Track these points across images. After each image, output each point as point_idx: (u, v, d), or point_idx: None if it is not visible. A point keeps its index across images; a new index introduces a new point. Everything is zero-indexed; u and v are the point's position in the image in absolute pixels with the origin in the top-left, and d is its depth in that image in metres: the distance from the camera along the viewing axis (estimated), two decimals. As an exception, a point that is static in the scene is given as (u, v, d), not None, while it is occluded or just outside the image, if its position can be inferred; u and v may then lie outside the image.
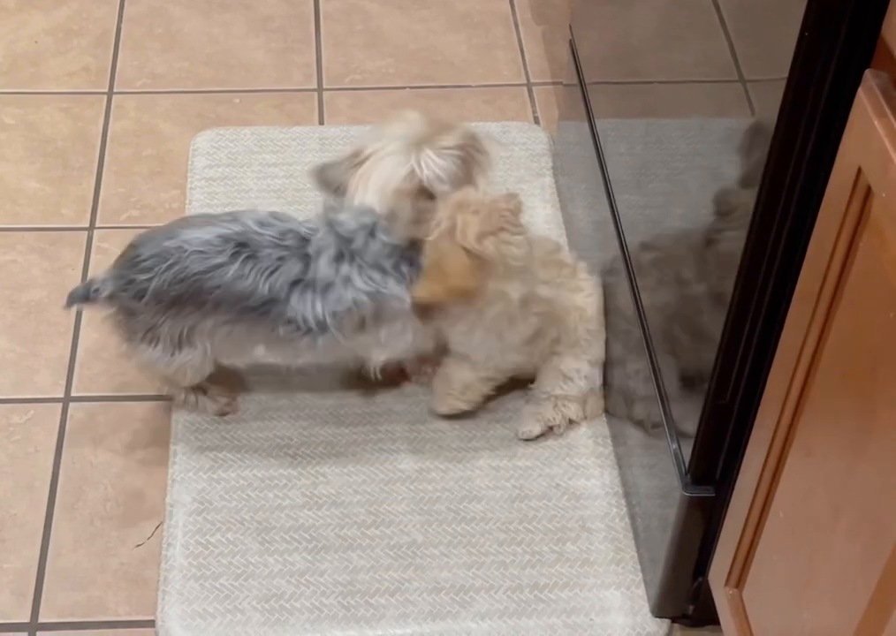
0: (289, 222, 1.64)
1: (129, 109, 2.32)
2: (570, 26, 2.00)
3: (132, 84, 2.37)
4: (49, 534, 1.68)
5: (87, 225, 2.11)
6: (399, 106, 2.31)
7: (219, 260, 1.59)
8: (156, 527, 1.69)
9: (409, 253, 1.59)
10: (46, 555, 1.66)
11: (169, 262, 1.59)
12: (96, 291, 1.65)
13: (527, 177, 2.17)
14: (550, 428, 1.77)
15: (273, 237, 1.61)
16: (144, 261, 1.61)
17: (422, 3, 2.54)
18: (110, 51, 2.43)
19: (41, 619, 1.60)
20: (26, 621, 1.60)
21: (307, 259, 1.60)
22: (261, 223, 1.62)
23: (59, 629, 1.60)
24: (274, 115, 2.31)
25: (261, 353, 1.69)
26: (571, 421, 1.78)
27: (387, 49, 2.45)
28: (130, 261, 1.64)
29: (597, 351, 1.76)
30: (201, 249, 1.60)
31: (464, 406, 1.77)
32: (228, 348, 1.68)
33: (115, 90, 2.35)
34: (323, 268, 1.60)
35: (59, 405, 1.84)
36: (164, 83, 2.37)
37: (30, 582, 1.63)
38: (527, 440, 1.77)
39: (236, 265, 1.59)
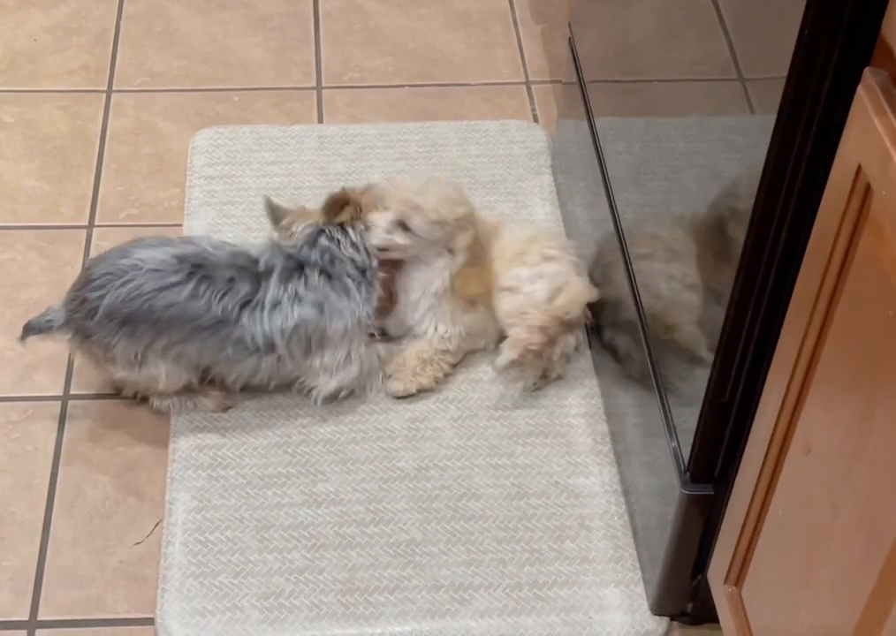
0: (240, 245, 1.72)
1: (128, 108, 2.32)
2: (569, 25, 2.00)
3: (130, 82, 2.37)
4: (49, 532, 1.69)
5: (86, 223, 2.11)
6: (398, 104, 2.32)
7: (174, 278, 1.64)
8: (155, 525, 1.69)
9: (354, 265, 1.71)
10: (45, 553, 1.66)
11: (123, 280, 1.64)
12: (49, 321, 1.69)
13: (525, 175, 2.17)
14: (528, 350, 1.75)
15: (225, 257, 1.67)
16: (96, 279, 1.66)
17: (421, 2, 2.54)
18: (109, 49, 2.43)
19: (41, 617, 1.60)
20: (25, 619, 1.60)
21: (257, 278, 1.67)
22: (215, 246, 1.69)
23: (58, 627, 1.60)
24: (273, 113, 2.31)
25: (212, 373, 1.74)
26: (552, 337, 1.77)
27: (386, 48, 2.45)
28: (83, 281, 1.68)
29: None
30: (156, 268, 1.64)
31: (425, 382, 1.80)
32: (179, 368, 1.70)
33: (114, 88, 2.35)
34: (273, 287, 1.67)
35: (58, 403, 1.84)
36: (163, 81, 2.37)
37: (29, 580, 1.63)
38: (508, 375, 1.78)
39: (191, 284, 1.64)
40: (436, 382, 1.82)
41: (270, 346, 1.67)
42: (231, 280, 1.66)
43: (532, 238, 1.85)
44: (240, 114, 2.31)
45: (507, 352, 1.75)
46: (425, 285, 1.79)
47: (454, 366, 1.84)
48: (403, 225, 1.74)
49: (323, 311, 1.68)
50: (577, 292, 1.79)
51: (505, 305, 1.79)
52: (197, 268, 1.65)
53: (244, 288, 1.66)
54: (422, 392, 1.81)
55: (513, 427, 1.78)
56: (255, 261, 1.69)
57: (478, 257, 1.79)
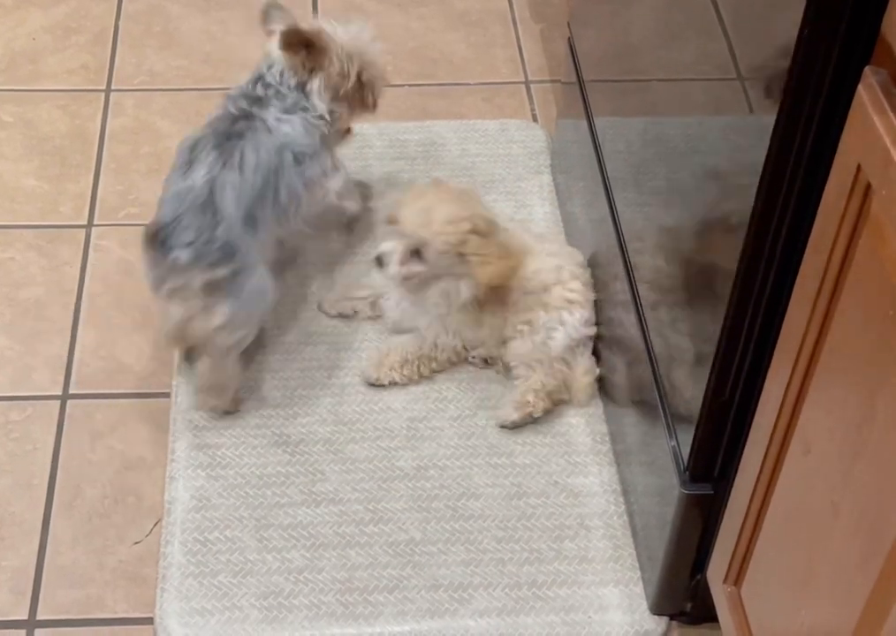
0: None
1: (127, 107, 2.32)
2: (568, 24, 2.00)
3: (130, 81, 2.37)
4: (48, 532, 1.68)
5: (86, 223, 2.10)
6: (398, 103, 2.31)
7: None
8: (155, 525, 1.69)
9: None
10: (44, 552, 1.66)
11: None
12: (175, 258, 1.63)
13: (525, 175, 2.17)
14: (531, 414, 1.76)
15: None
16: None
17: (421, 2, 2.54)
18: (109, 49, 2.43)
19: (40, 617, 1.60)
20: (24, 618, 1.60)
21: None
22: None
23: (58, 626, 1.60)
24: (272, 112, 2.30)
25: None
26: (554, 400, 1.78)
27: (386, 47, 2.41)
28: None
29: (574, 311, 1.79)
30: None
31: (397, 379, 1.81)
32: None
33: (113, 88, 2.35)
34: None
35: (57, 403, 1.84)
36: (162, 81, 2.37)
37: (28, 580, 1.63)
38: (507, 427, 1.77)
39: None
40: (409, 380, 1.82)
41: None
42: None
43: (558, 271, 1.81)
44: (240, 113, 2.30)
45: (511, 412, 1.76)
46: (444, 293, 1.78)
47: (435, 372, 1.84)
48: (417, 253, 1.73)
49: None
50: (582, 375, 1.80)
51: (518, 346, 1.78)
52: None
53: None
54: (392, 385, 1.83)
55: (512, 428, 1.78)
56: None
57: (502, 254, 1.75)
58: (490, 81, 2.37)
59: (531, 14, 2.51)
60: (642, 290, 1.56)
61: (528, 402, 1.75)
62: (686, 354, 1.40)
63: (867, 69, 0.99)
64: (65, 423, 1.81)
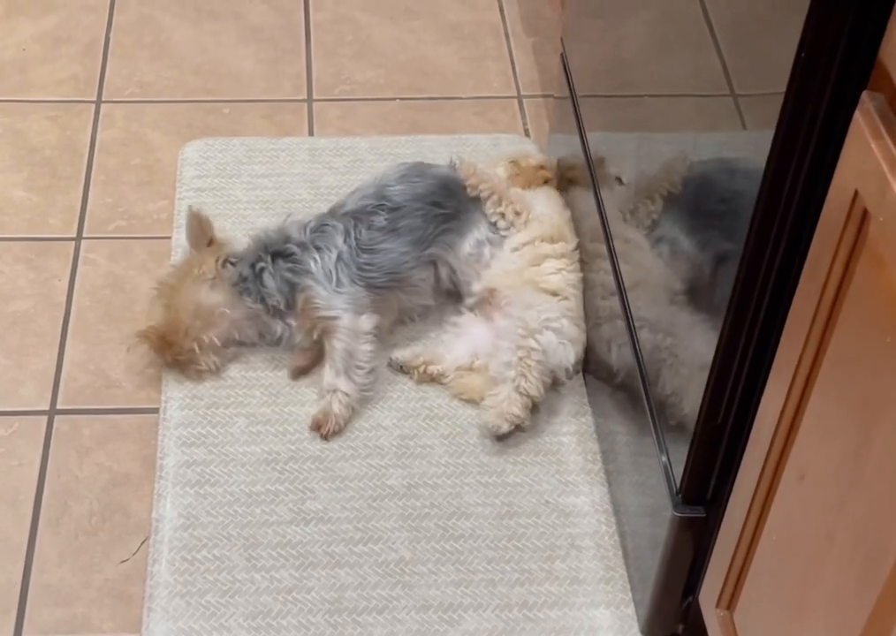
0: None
1: (117, 119, 2.30)
2: (561, 40, 1.99)
3: (120, 93, 2.35)
4: (34, 549, 1.67)
5: (74, 235, 2.09)
6: (389, 117, 2.30)
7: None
8: (142, 543, 1.68)
9: None
10: (30, 570, 1.64)
11: None
12: None
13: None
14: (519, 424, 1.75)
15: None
16: None
17: (413, 14, 2.53)
18: (99, 60, 2.42)
19: (25, 635, 1.58)
20: (9, 637, 1.59)
21: None
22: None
23: (43, 646, 1.58)
24: (263, 125, 2.29)
25: None
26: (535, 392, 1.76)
27: (377, 60, 2.43)
28: None
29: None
30: None
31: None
32: None
33: (103, 99, 2.34)
34: None
35: (44, 418, 1.82)
36: (153, 92, 2.36)
37: (13, 598, 1.61)
38: (497, 435, 1.75)
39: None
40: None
41: None
42: None
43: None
44: (231, 126, 2.29)
45: (495, 421, 1.73)
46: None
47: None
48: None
49: None
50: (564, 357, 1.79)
51: (505, 355, 1.76)
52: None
53: None
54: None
55: (504, 445, 1.77)
56: None
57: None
58: (482, 95, 2.36)
59: (523, 28, 2.50)
60: (636, 311, 1.55)
61: (513, 413, 1.73)
62: (679, 377, 1.39)
63: (864, 94, 0.98)
64: (52, 439, 1.79)
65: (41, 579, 1.64)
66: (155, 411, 1.83)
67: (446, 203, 1.87)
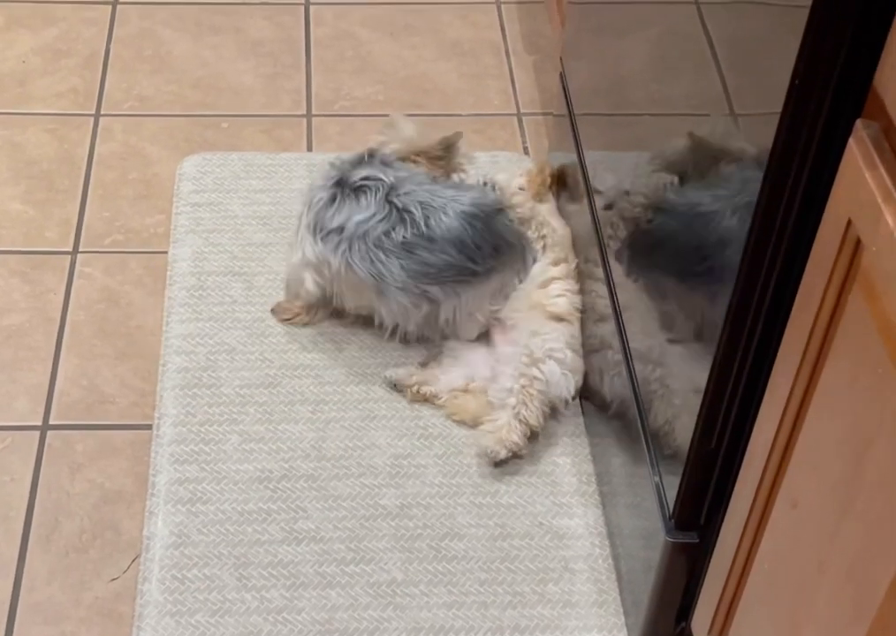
0: None
1: (116, 132, 2.30)
2: (560, 59, 1.99)
3: (119, 106, 2.35)
4: (23, 566, 1.66)
5: (71, 249, 2.08)
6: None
7: None
8: (132, 561, 1.67)
9: None
10: (19, 587, 1.63)
11: None
12: None
13: (515, 207, 2.15)
14: (517, 449, 1.73)
15: None
16: None
17: (413, 30, 2.53)
18: (99, 73, 2.42)
19: (13, 654, 1.58)
20: (-3, 656, 1.57)
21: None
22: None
23: (31, 665, 1.57)
24: (262, 140, 2.29)
25: None
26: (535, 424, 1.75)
27: (377, 76, 2.43)
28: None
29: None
30: None
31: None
32: None
33: (102, 112, 2.34)
34: None
35: (37, 433, 1.81)
36: (152, 106, 2.35)
37: (2, 616, 1.60)
38: (495, 461, 1.74)
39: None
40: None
41: None
42: None
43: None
44: (229, 140, 2.29)
45: (494, 447, 1.72)
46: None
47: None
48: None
49: None
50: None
51: (508, 381, 1.75)
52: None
53: None
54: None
55: (498, 466, 1.76)
56: None
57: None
58: (482, 112, 2.35)
59: (524, 46, 2.50)
60: (631, 334, 1.54)
61: (513, 441, 1.73)
62: (672, 404, 1.38)
63: (858, 122, 0.97)
64: (44, 454, 1.78)
65: (31, 596, 1.63)
66: (149, 427, 1.82)
67: (478, 259, 1.79)
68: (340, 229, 1.78)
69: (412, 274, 1.77)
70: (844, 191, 0.98)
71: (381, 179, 1.79)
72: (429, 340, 1.89)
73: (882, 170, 0.93)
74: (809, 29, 0.98)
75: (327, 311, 1.93)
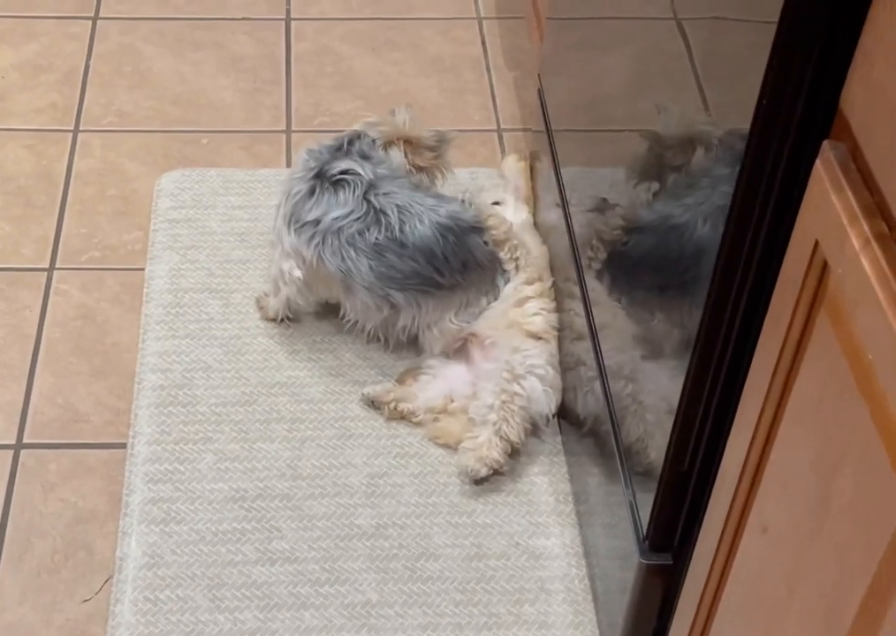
0: None
1: (94, 148, 2.29)
2: (539, 76, 1.98)
3: (98, 122, 2.34)
4: (-6, 587, 1.64)
5: (47, 266, 2.07)
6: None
7: None
8: (105, 582, 1.65)
9: None
10: (-10, 609, 1.62)
11: None
12: None
13: (495, 224, 2.14)
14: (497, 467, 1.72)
15: None
16: None
17: (394, 46, 2.52)
18: (78, 88, 2.40)
19: (-17, 677, 1.56)
20: (-34, 679, 1.56)
21: None
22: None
23: (0, 687, 1.55)
24: (241, 156, 2.28)
25: None
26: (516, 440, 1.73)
27: (358, 92, 2.42)
28: None
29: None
30: None
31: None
32: None
33: (81, 128, 2.32)
34: None
35: (10, 452, 1.79)
36: (131, 121, 2.34)
37: (-28, 638, 1.59)
38: (475, 480, 1.73)
39: None
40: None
41: None
42: None
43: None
44: (208, 156, 2.28)
45: (474, 466, 1.71)
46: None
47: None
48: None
49: None
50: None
51: (489, 398, 1.74)
52: None
53: None
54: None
55: (474, 485, 1.74)
56: None
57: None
58: (463, 128, 2.33)
59: (505, 61, 2.49)
60: (606, 354, 1.53)
61: (494, 458, 1.71)
62: (646, 419, 1.37)
63: (825, 143, 0.96)
64: (17, 473, 1.77)
65: (2, 617, 1.61)
66: (123, 446, 1.80)
67: (445, 272, 1.79)
68: (316, 222, 1.78)
69: (378, 275, 1.77)
70: (811, 212, 0.97)
71: (359, 174, 1.78)
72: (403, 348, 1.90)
73: (848, 192, 0.92)
74: (776, 47, 0.97)
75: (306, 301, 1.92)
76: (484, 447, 1.71)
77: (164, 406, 1.84)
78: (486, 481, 1.75)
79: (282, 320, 1.93)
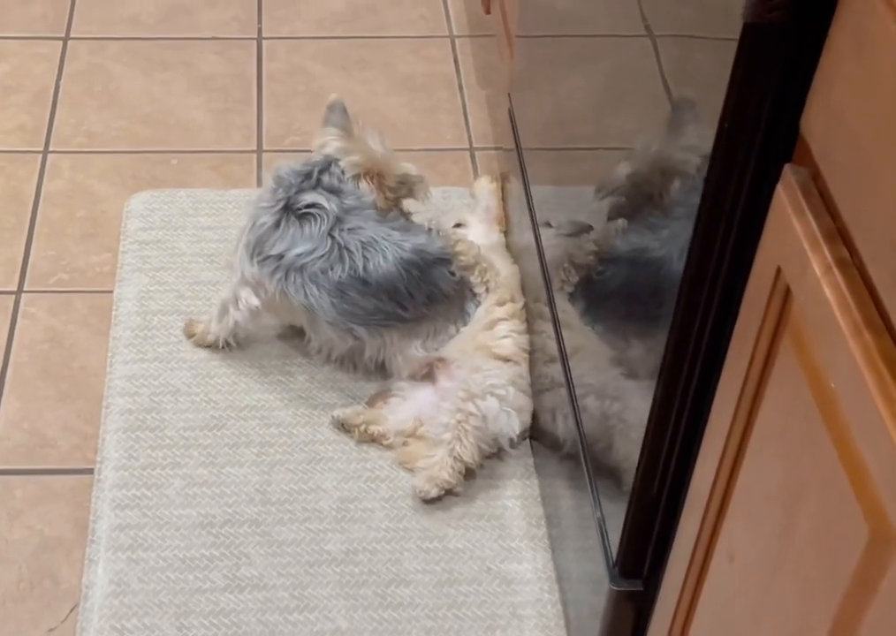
0: None
1: (64, 169, 2.27)
2: (509, 95, 1.97)
3: (68, 143, 2.32)
4: (-42, 618, 1.61)
5: (15, 289, 2.05)
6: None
7: None
8: (71, 610, 1.63)
9: None
10: (-47, 640, 1.59)
11: None
12: None
13: (467, 243, 2.12)
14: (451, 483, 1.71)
15: None
16: None
17: (366, 65, 2.51)
18: (48, 109, 2.39)
19: (-55, 710, 1.53)
20: (-73, 712, 1.53)
21: None
22: None
23: (-38, 721, 1.53)
24: (211, 176, 2.26)
25: None
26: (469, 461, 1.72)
27: (328, 111, 2.40)
28: None
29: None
30: None
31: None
32: None
33: (50, 149, 2.30)
34: None
35: (-25, 480, 1.77)
36: (101, 142, 2.32)
37: (-66, 670, 1.56)
38: (425, 500, 1.71)
39: None
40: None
41: None
42: None
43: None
44: (178, 176, 2.26)
45: (423, 486, 1.70)
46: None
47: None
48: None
49: None
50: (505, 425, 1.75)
51: (445, 417, 1.73)
52: None
53: None
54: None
55: (446, 509, 1.73)
56: None
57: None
58: (434, 147, 2.33)
59: (477, 80, 2.48)
60: (577, 380, 1.51)
61: (444, 479, 1.69)
62: (617, 447, 1.36)
63: (787, 167, 0.95)
64: (-18, 501, 1.74)
65: (-35, 649, 1.59)
66: (90, 471, 1.78)
67: (409, 306, 1.78)
68: (279, 256, 1.77)
69: (341, 311, 1.76)
70: (773, 237, 0.96)
71: (325, 209, 1.77)
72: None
73: (810, 217, 0.91)
74: (736, 69, 0.96)
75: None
76: (436, 467, 1.69)
77: (132, 431, 1.81)
78: (451, 501, 1.73)
79: (222, 347, 1.91)
